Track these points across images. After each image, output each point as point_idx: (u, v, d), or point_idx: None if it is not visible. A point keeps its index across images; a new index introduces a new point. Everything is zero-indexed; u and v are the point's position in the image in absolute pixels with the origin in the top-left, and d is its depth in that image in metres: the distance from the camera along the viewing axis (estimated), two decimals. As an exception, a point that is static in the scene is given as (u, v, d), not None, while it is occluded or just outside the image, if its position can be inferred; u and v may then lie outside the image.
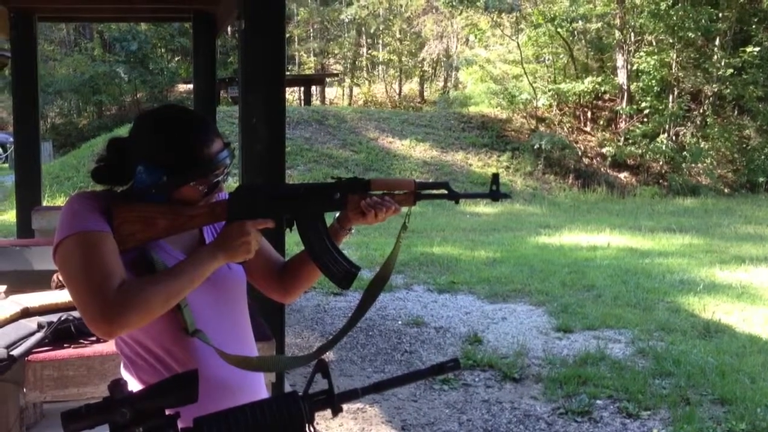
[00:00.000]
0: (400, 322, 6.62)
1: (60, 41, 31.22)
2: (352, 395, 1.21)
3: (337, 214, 1.68)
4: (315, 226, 1.62)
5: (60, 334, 2.47)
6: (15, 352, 2.34)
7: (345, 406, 3.91)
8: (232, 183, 15.85)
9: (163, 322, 1.51)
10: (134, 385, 1.52)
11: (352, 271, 1.65)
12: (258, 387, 1.69)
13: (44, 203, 7.21)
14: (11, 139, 20.50)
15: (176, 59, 30.01)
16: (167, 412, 1.13)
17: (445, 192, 1.60)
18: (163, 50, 30.01)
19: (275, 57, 3.65)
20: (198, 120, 1.60)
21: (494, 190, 1.60)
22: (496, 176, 1.61)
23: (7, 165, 22.35)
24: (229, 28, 16.04)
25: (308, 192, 1.61)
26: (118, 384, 1.10)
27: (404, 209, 1.65)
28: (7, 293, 2.81)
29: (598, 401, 4.73)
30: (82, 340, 2.49)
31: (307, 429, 1.16)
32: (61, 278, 3.01)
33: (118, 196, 1.58)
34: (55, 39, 30.59)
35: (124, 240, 1.49)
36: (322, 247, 1.63)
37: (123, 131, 19.47)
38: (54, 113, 28.13)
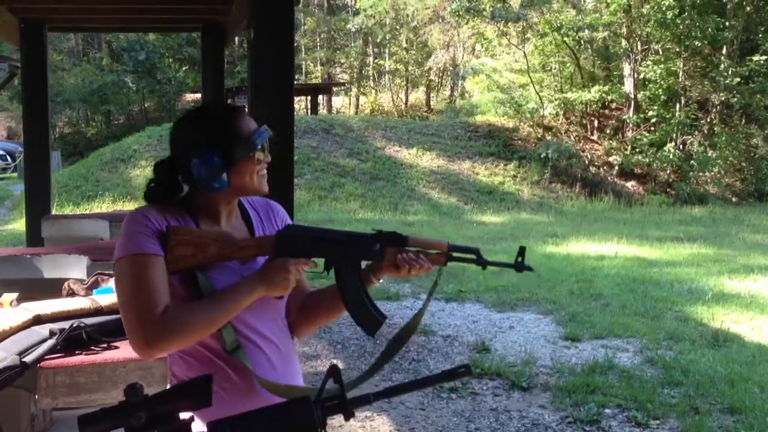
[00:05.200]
0: (407, 331, 6.61)
1: (69, 51, 31.39)
2: (363, 400, 1.22)
3: (371, 263, 1.75)
4: (351, 273, 1.70)
5: (72, 341, 2.49)
6: (27, 359, 2.35)
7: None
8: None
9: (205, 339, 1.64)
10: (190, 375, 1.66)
11: (380, 320, 1.73)
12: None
13: (53, 212, 7.25)
14: (20, 149, 20.61)
15: (184, 69, 30.12)
16: (181, 416, 1.15)
17: (474, 257, 1.72)
18: (170, 60, 30.14)
19: (284, 66, 3.68)
20: (226, 104, 1.78)
21: (519, 262, 1.70)
22: (522, 249, 1.70)
23: (15, 174, 22.46)
24: (236, 38, 16.09)
25: (349, 239, 1.69)
26: (134, 388, 1.11)
27: (435, 268, 1.75)
28: (19, 300, 2.83)
29: (607, 410, 4.72)
30: (93, 347, 2.51)
31: (319, 433, 1.17)
32: (72, 286, 3.04)
33: (177, 205, 1.69)
34: (63, 49, 30.75)
35: (175, 261, 1.59)
36: (355, 295, 1.71)
37: (131, 140, 19.57)
38: (62, 122, 28.26)
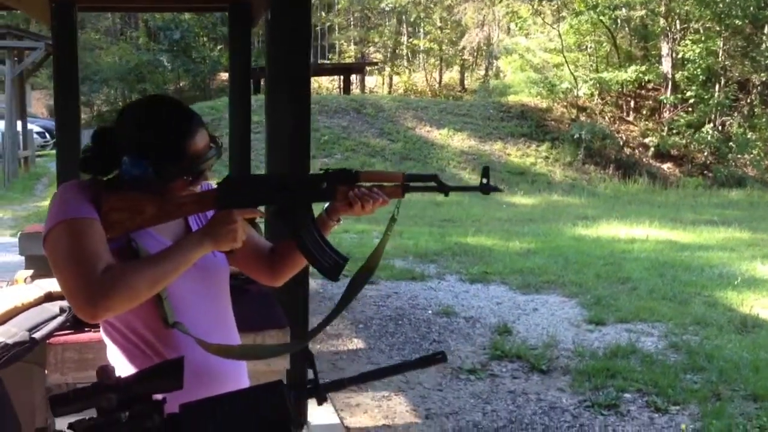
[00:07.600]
0: (430, 312, 6.62)
1: (106, 30, 31.73)
2: (337, 385, 1.23)
3: (326, 205, 1.69)
4: (302, 217, 1.63)
5: (81, 318, 2.54)
6: (37, 335, 2.41)
7: (370, 394, 3.92)
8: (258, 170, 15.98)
9: (144, 312, 1.54)
10: (127, 372, 1.55)
11: (340, 262, 1.65)
12: (241, 373, 1.73)
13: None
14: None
15: (218, 48, 30.26)
16: (154, 397, 1.16)
17: (434, 185, 1.60)
18: (205, 39, 30.30)
19: (300, 46, 3.66)
20: (184, 113, 1.61)
21: (484, 184, 1.59)
22: (486, 169, 1.62)
23: (54, 151, 22.90)
24: (262, 18, 16.08)
25: (296, 182, 1.62)
26: (106, 369, 1.12)
27: (394, 201, 1.66)
28: (34, 277, 2.89)
29: (626, 395, 4.68)
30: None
31: (290, 417, 1.17)
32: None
33: (104, 184, 1.61)
34: (101, 28, 31.10)
35: (112, 227, 1.51)
36: (309, 238, 1.64)
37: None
38: (100, 101, 28.65)
